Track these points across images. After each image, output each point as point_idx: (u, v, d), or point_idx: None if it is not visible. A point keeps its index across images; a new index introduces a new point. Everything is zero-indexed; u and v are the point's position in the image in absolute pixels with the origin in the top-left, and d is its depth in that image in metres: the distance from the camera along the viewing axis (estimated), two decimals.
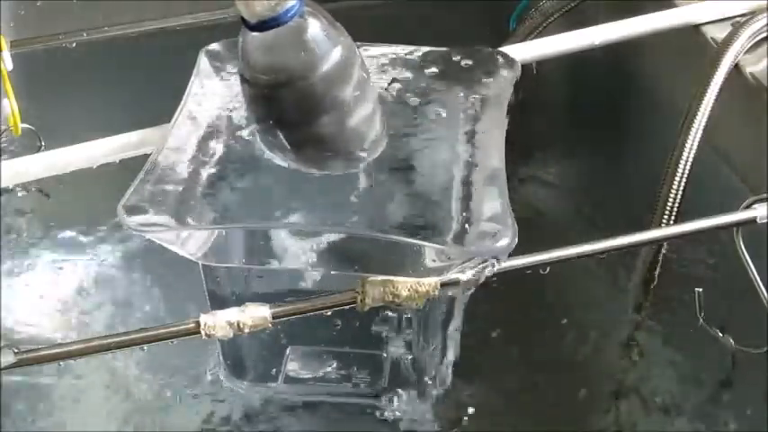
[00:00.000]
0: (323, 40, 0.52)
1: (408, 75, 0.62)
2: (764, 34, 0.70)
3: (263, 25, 0.51)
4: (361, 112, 0.55)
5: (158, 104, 0.61)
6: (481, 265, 0.52)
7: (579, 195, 0.87)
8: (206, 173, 0.55)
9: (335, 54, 0.52)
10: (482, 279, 0.53)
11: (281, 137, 0.54)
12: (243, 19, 0.51)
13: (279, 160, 0.56)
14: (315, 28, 0.52)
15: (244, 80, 0.54)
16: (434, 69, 0.63)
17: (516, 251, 0.50)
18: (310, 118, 0.53)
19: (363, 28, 0.56)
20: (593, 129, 0.89)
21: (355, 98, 0.54)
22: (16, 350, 0.52)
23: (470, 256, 0.51)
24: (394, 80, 0.62)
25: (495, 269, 0.53)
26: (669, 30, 0.73)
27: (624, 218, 0.76)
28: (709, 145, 0.68)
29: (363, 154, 0.55)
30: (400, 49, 0.64)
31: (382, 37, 0.64)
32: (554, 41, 0.72)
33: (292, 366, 0.70)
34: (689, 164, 0.67)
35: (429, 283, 0.53)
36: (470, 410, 0.69)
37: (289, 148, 0.55)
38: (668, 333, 0.72)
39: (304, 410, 0.70)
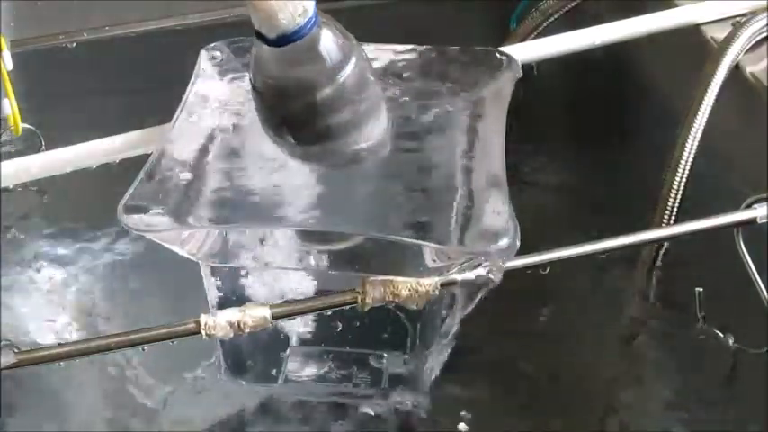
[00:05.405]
0: (336, 50, 0.52)
1: (408, 75, 0.62)
2: (764, 34, 0.70)
3: (283, 39, 0.50)
4: (373, 119, 0.55)
5: (158, 104, 0.61)
6: (481, 268, 0.52)
7: (579, 195, 0.87)
8: (206, 173, 0.55)
9: (350, 63, 0.52)
10: (481, 293, 0.54)
11: (295, 145, 0.54)
12: (259, 33, 0.51)
13: (286, 163, 0.56)
14: (328, 39, 0.52)
15: (256, 91, 0.54)
16: (434, 69, 0.63)
17: (516, 251, 0.50)
18: (324, 128, 0.53)
19: (363, 28, 0.56)
20: (594, 129, 0.89)
21: (368, 106, 0.54)
22: (16, 350, 0.52)
23: (471, 257, 0.51)
24: (394, 80, 0.62)
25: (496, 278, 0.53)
26: (669, 30, 0.73)
27: (624, 218, 0.76)
28: (709, 145, 0.68)
29: (367, 153, 0.56)
30: (400, 49, 0.64)
31: (382, 37, 0.64)
32: (554, 41, 0.72)
33: (292, 366, 0.70)
34: (689, 164, 0.68)
35: (429, 283, 0.53)
36: (469, 411, 0.69)
37: (303, 156, 0.55)
38: (668, 333, 0.72)
39: (304, 410, 0.70)
